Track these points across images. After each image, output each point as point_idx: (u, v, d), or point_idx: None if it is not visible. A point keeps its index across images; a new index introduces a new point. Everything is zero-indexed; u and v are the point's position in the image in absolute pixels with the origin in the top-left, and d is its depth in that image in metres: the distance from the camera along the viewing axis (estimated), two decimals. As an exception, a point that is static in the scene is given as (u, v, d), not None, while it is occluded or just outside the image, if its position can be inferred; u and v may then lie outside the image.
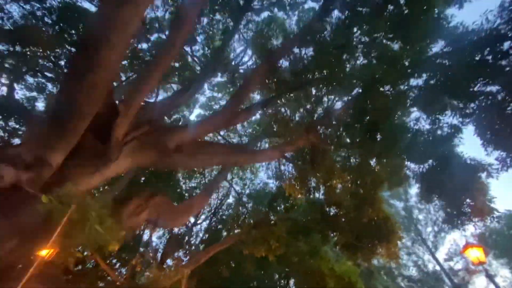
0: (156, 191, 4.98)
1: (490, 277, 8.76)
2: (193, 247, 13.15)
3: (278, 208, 9.93)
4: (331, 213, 9.11)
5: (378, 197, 8.39)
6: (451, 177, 8.17)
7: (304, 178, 7.89)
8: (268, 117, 9.74)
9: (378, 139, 7.43)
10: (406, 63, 8.87)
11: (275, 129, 8.31)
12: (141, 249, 12.89)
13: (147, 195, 4.82)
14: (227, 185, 18.10)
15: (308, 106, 7.66)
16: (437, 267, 24.61)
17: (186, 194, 14.45)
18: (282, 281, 18.22)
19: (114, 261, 12.59)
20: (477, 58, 7.70)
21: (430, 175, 8.74)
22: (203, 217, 16.22)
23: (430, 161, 8.96)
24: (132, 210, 4.51)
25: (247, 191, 17.23)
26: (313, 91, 7.99)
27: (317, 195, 9.30)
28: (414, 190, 28.86)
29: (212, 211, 16.03)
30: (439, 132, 8.59)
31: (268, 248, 8.90)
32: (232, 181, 18.64)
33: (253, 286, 18.16)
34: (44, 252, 8.33)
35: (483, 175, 7.74)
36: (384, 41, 9.46)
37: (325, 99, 8.07)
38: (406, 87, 9.17)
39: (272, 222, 9.19)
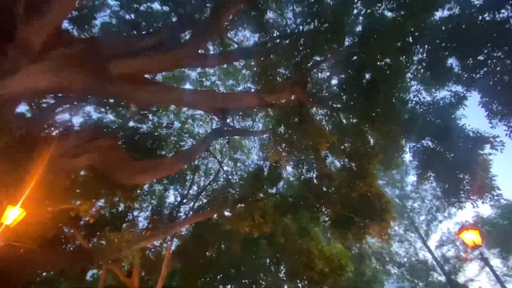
0: (104, 132, 4.24)
1: (485, 260, 8.29)
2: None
3: (265, 183, 9.34)
4: (321, 188, 8.52)
5: (371, 172, 7.80)
6: (451, 151, 7.57)
7: (291, 143, 7.19)
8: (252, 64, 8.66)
9: (376, 103, 6.71)
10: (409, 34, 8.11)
11: (257, 79, 7.50)
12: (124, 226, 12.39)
13: (87, 134, 4.03)
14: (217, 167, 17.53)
15: (298, 58, 6.83)
16: (428, 255, 24.60)
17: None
18: (271, 263, 17.97)
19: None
20: (487, 19, 6.96)
21: (429, 149, 8.13)
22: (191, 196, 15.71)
23: (429, 137, 8.37)
24: (66, 149, 3.78)
25: (239, 173, 16.69)
26: (306, 41, 7.13)
27: (306, 168, 8.67)
28: (410, 178, 28.78)
29: (200, 190, 15.50)
30: (441, 103, 7.92)
31: (253, 224, 8.37)
32: (223, 163, 18.08)
33: (241, 266, 17.91)
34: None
35: (486, 148, 7.13)
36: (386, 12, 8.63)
37: (319, 51, 7.23)
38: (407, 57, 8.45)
39: (258, 198, 8.60)
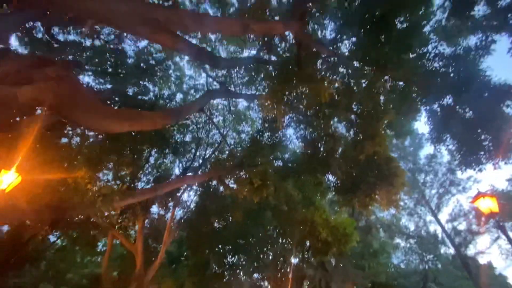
0: (54, 60, 3.50)
1: (502, 228, 7.67)
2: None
3: (264, 147, 8.80)
4: (326, 151, 7.89)
5: (380, 132, 7.09)
6: (472, 107, 6.74)
7: (289, 93, 6.41)
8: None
9: (387, 43, 5.80)
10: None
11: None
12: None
13: (31, 61, 3.38)
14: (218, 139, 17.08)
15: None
16: (438, 228, 24.21)
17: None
18: (277, 234, 18.04)
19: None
20: None
21: (447, 108, 7.30)
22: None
23: (449, 93, 7.49)
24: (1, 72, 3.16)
25: (242, 144, 16.24)
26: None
27: (308, 128, 8.01)
28: (423, 152, 27.72)
29: (202, 162, 15.25)
30: (464, 53, 6.95)
31: (251, 188, 7.98)
32: (227, 136, 17.62)
33: (248, 238, 18.12)
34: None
35: (514, 102, 6.27)
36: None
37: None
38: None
39: (257, 163, 8.11)
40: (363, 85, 6.71)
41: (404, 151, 27.23)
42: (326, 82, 5.90)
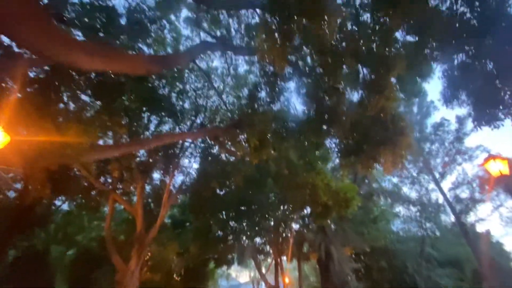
0: None
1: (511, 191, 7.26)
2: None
3: (262, 104, 8.30)
4: (328, 106, 7.33)
5: (390, 84, 6.46)
6: (493, 55, 6.01)
7: (288, 32, 5.69)
8: None
9: None
10: None
11: None
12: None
13: None
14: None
15: None
16: (440, 196, 24.25)
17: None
18: (278, 201, 18.23)
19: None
20: None
21: (465, 59, 6.57)
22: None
23: (467, 46, 6.71)
24: None
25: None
26: None
27: (310, 80, 7.40)
28: (430, 120, 26.85)
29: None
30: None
31: (249, 149, 7.67)
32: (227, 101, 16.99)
33: (250, 204, 18.41)
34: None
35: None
36: None
37: None
38: None
39: (254, 122, 7.63)
40: (375, 26, 5.91)
41: (411, 116, 26.42)
42: (332, 17, 5.13)
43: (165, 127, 16.22)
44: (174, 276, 26.45)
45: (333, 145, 8.71)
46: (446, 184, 24.44)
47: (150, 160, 10.95)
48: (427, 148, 26.52)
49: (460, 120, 23.36)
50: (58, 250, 19.17)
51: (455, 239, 28.31)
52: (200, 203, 16.44)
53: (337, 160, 10.36)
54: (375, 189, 18.96)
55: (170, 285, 23.43)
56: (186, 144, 12.51)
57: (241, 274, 65.39)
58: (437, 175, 24.61)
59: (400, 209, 26.47)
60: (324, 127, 7.47)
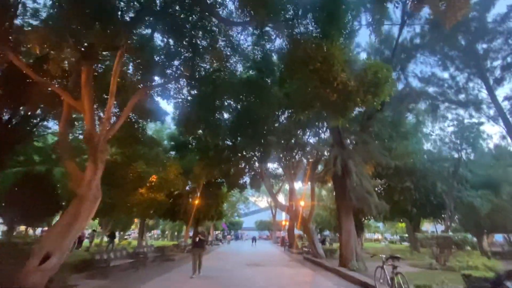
0: None
1: None
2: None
3: None
4: None
5: None
6: None
7: None
8: None
9: None
10: None
11: None
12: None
13: None
14: None
15: None
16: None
17: None
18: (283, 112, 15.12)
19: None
20: None
21: None
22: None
23: None
24: None
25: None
26: None
27: None
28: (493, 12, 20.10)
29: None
30: None
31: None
32: None
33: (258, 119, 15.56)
34: None
35: None
36: None
37: None
38: None
39: None
40: None
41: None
42: None
43: None
44: (189, 198, 26.61)
45: None
46: (502, 92, 19.38)
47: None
48: (481, 49, 20.65)
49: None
50: (61, 171, 18.56)
51: (492, 163, 25.03)
52: (190, 115, 13.83)
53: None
54: (414, 88, 14.79)
55: (178, 205, 23.45)
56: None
57: (261, 201, 69.19)
58: (492, 81, 19.57)
59: (434, 126, 22.57)
60: None
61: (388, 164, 14.91)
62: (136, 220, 42.16)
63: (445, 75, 20.00)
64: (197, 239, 10.73)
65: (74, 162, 8.38)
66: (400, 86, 14.31)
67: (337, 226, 29.93)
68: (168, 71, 9.45)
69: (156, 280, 9.53)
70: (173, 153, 21.02)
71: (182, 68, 10.04)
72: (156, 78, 10.66)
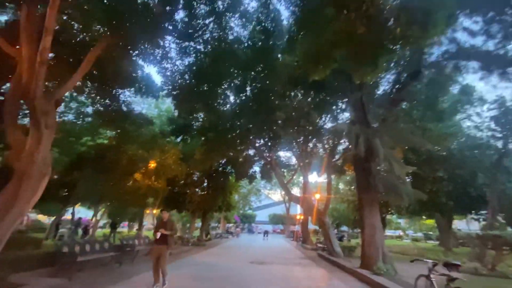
0: None
1: None
2: None
3: None
4: None
5: None
6: None
7: None
8: None
9: None
10: None
11: None
12: None
13: None
14: None
15: None
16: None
17: None
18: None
19: None
20: None
21: None
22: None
23: None
24: None
25: None
26: None
27: None
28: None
29: None
30: None
31: None
32: None
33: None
34: None
35: None
36: None
37: None
38: None
39: None
40: None
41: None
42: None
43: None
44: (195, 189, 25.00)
45: None
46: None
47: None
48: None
49: None
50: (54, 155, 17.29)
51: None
52: (183, 88, 11.83)
53: None
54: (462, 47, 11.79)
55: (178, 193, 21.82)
56: None
57: (274, 193, 67.11)
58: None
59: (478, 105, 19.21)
60: None
61: (424, 146, 12.18)
62: (148, 211, 41.42)
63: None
64: (158, 234, 6.45)
65: (21, 129, 6.60)
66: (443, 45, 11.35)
67: (357, 220, 27.31)
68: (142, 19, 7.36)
69: (132, 280, 7.72)
70: (175, 139, 19.24)
71: (162, 15, 7.91)
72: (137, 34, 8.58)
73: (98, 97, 10.70)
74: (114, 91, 10.53)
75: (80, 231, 20.76)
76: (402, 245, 33.54)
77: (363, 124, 11.75)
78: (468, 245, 30.58)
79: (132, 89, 11.38)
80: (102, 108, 11.17)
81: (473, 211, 21.15)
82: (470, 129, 21.01)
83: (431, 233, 48.27)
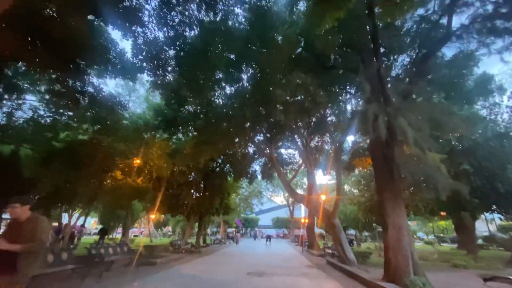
0: None
1: None
2: None
3: None
4: None
5: None
6: None
7: None
8: None
9: None
10: None
11: None
12: None
13: None
14: None
15: None
16: None
17: None
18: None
19: None
20: None
21: None
22: None
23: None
24: None
25: None
26: None
27: None
28: None
29: None
30: None
31: None
32: None
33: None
34: None
35: None
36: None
37: None
38: None
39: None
40: None
41: None
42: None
43: None
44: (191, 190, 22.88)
45: None
46: None
47: None
48: None
49: None
50: (26, 152, 15.33)
51: None
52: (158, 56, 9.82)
53: None
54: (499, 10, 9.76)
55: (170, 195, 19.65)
56: None
57: (277, 196, 64.66)
58: None
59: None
60: None
61: (457, 130, 10.02)
62: (146, 217, 39.11)
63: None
64: None
65: None
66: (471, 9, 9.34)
67: (369, 223, 24.91)
68: None
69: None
70: (162, 132, 17.18)
71: None
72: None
73: (51, 71, 8.68)
74: (73, 65, 8.49)
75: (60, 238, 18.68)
76: (417, 249, 30.89)
77: (382, 101, 9.65)
78: (487, 248, 28.01)
79: (100, 66, 9.36)
80: (60, 86, 9.14)
81: (501, 209, 18.74)
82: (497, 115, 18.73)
83: (441, 235, 45.64)
